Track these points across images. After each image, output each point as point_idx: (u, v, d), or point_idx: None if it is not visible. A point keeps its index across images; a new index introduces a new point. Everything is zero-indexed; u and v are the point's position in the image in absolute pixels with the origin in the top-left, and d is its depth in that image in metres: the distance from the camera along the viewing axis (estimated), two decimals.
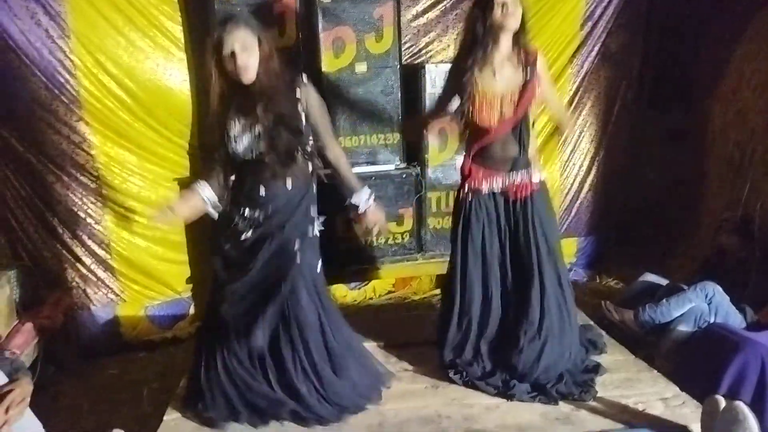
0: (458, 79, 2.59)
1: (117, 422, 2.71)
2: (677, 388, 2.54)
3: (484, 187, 2.66)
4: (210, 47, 2.27)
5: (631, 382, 2.63)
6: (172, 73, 3.53)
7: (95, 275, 3.54)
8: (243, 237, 2.43)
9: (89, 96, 3.32)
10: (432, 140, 3.67)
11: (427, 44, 3.94)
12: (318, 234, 2.52)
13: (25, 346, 2.89)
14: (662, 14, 4.31)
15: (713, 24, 4.13)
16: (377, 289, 4.27)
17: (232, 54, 2.22)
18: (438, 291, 4.02)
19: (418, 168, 3.71)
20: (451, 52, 3.84)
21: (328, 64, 3.48)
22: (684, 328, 3.03)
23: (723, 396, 2.27)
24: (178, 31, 3.51)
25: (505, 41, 2.53)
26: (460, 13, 3.81)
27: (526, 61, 2.56)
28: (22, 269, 3.19)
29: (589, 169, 4.33)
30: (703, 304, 3.05)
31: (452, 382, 2.66)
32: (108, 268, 3.55)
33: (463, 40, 2.66)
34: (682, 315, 3.07)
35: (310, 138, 2.43)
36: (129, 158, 3.50)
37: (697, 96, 4.35)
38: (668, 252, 4.27)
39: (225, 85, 2.32)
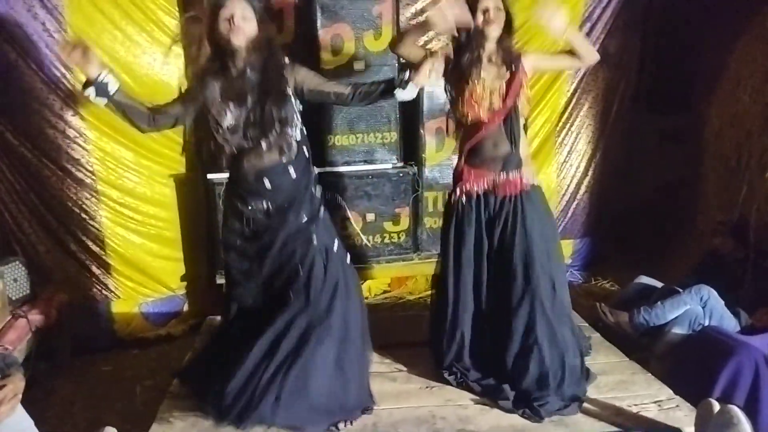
0: (450, 79, 2.66)
1: (109, 419, 2.72)
2: (671, 391, 2.54)
3: (476, 189, 2.67)
4: (208, 7, 2.28)
5: (625, 384, 2.63)
6: (169, 69, 3.51)
7: (89, 271, 3.52)
8: (255, 229, 2.45)
9: None
10: (429, 139, 3.66)
11: (425, 42, 3.92)
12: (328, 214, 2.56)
13: (17, 341, 2.88)
14: (660, 16, 4.33)
15: (711, 27, 4.13)
16: (373, 288, 4.26)
17: (231, 18, 2.23)
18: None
19: (415, 167, 3.71)
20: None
21: (326, 61, 3.46)
22: (678, 330, 3.04)
23: (717, 399, 2.28)
24: (175, 26, 3.47)
25: (490, 43, 2.59)
26: None
27: (510, 58, 2.62)
28: (16, 264, 3.17)
29: (586, 170, 4.33)
30: (697, 307, 3.05)
31: (447, 382, 2.65)
32: (102, 264, 3.53)
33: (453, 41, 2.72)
34: (676, 318, 3.07)
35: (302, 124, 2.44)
36: (125, 154, 3.48)
37: (694, 98, 4.35)
38: (664, 254, 4.26)
39: (212, 51, 2.34)
